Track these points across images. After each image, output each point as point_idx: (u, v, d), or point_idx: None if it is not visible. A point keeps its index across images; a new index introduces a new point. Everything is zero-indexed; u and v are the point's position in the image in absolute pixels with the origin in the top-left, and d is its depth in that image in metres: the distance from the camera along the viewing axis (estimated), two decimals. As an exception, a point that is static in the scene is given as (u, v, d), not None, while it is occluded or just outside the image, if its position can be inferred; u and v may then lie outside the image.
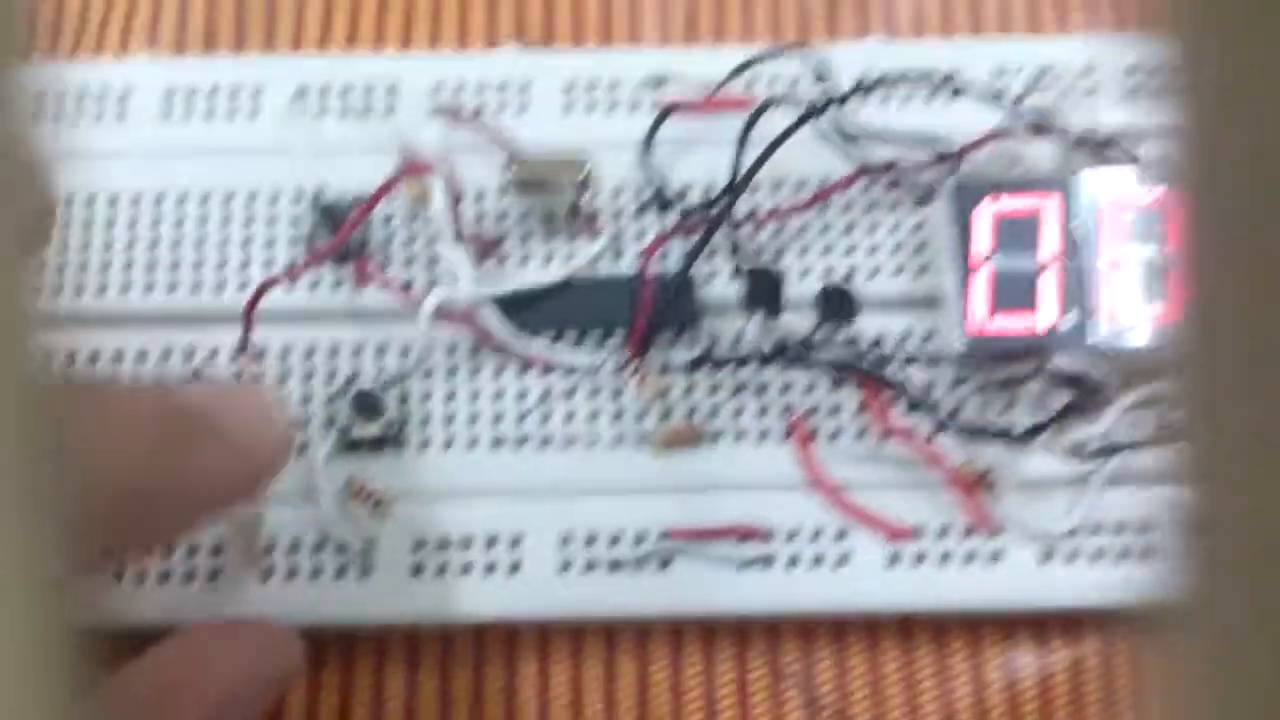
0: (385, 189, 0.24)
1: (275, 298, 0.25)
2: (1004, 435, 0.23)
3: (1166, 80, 0.10)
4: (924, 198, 0.25)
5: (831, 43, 0.28)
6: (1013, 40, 0.28)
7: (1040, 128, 0.25)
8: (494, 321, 0.24)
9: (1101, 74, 0.26)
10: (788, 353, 0.23)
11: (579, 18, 0.29)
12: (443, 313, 0.24)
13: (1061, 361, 0.23)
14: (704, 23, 0.29)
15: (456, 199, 0.25)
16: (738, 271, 0.24)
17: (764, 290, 0.23)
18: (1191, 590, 0.10)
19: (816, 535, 0.24)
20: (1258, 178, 0.09)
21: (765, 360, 0.24)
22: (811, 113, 0.24)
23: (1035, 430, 0.22)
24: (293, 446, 0.23)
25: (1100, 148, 0.25)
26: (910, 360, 0.24)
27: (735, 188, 0.24)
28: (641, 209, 0.26)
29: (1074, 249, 0.23)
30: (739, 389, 0.25)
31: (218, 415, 0.21)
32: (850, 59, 0.27)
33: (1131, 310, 0.23)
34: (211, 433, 0.21)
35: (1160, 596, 0.11)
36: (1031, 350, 0.23)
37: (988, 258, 0.24)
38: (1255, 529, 0.10)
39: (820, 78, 0.26)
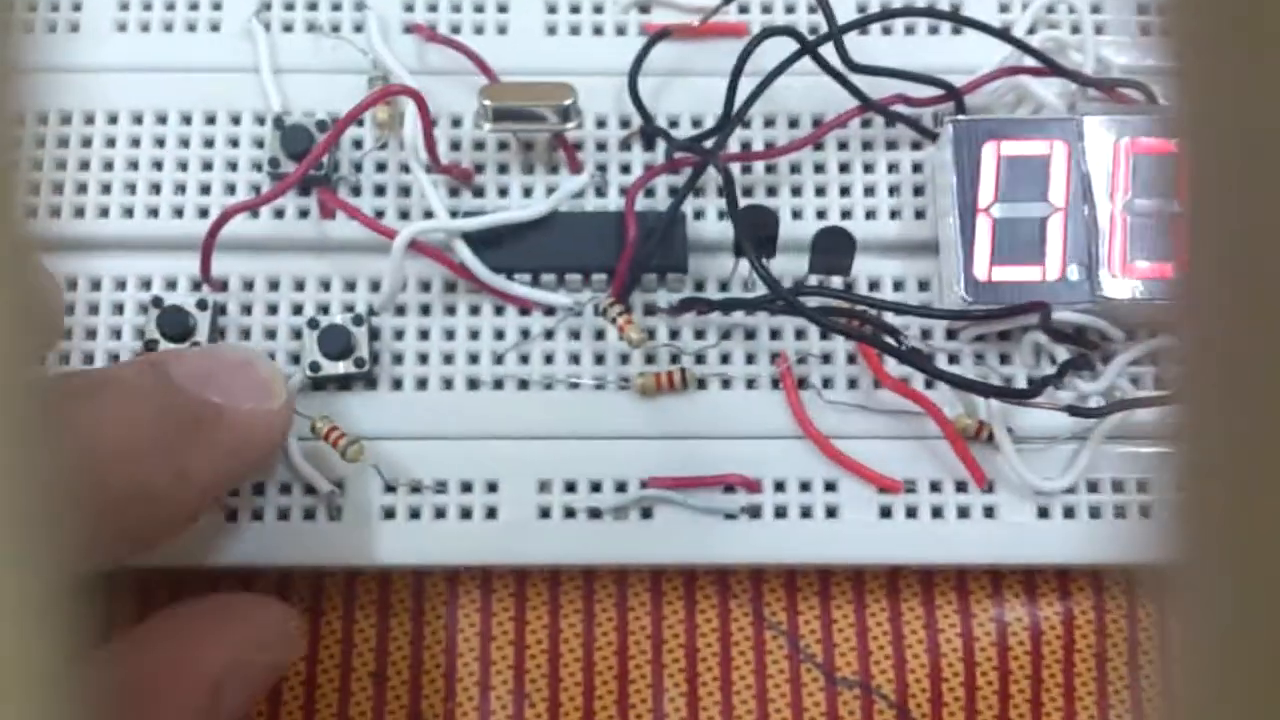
0: (355, 113, 0.23)
1: (237, 225, 0.23)
2: (1002, 390, 0.22)
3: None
4: (924, 138, 0.24)
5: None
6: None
7: (1049, 65, 0.24)
8: (469, 257, 0.23)
9: (1113, 9, 0.25)
10: (779, 297, 0.22)
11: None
12: (415, 247, 0.23)
13: (1065, 314, 0.22)
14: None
15: (430, 125, 0.24)
16: (730, 210, 0.22)
17: (759, 229, 0.22)
18: (1180, 551, 0.10)
19: (805, 486, 0.23)
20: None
21: (756, 305, 0.23)
22: (809, 45, 0.23)
23: (1036, 386, 0.22)
24: (292, 416, 0.22)
25: (1112, 88, 0.24)
26: (906, 310, 0.23)
27: (729, 122, 0.23)
28: (627, 141, 0.25)
29: (1082, 196, 0.22)
30: (727, 334, 0.24)
31: (218, 394, 0.20)
32: (850, -12, 0.25)
33: (1140, 262, 0.22)
34: (214, 418, 0.20)
35: (1155, 556, 0.11)
36: (1034, 302, 0.22)
37: (991, 203, 0.22)
38: (1241, 492, 0.09)
39: (818, 6, 0.24)
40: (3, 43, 0.10)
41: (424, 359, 0.24)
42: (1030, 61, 0.24)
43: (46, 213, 0.24)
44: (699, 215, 0.24)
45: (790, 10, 0.25)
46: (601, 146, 0.25)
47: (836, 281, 0.24)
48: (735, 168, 0.24)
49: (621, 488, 0.23)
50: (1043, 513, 0.23)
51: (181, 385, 0.20)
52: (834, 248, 0.22)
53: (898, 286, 0.24)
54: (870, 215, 0.24)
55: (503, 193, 0.24)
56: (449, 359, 0.24)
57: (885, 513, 0.23)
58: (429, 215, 0.24)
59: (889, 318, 0.23)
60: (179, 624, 0.20)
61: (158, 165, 0.24)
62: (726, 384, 0.23)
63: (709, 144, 0.23)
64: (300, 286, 0.24)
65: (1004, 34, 0.24)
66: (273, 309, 0.24)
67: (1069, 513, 0.23)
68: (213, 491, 0.21)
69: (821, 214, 0.24)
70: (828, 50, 0.24)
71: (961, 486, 0.23)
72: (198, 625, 0.20)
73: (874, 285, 0.24)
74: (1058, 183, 0.23)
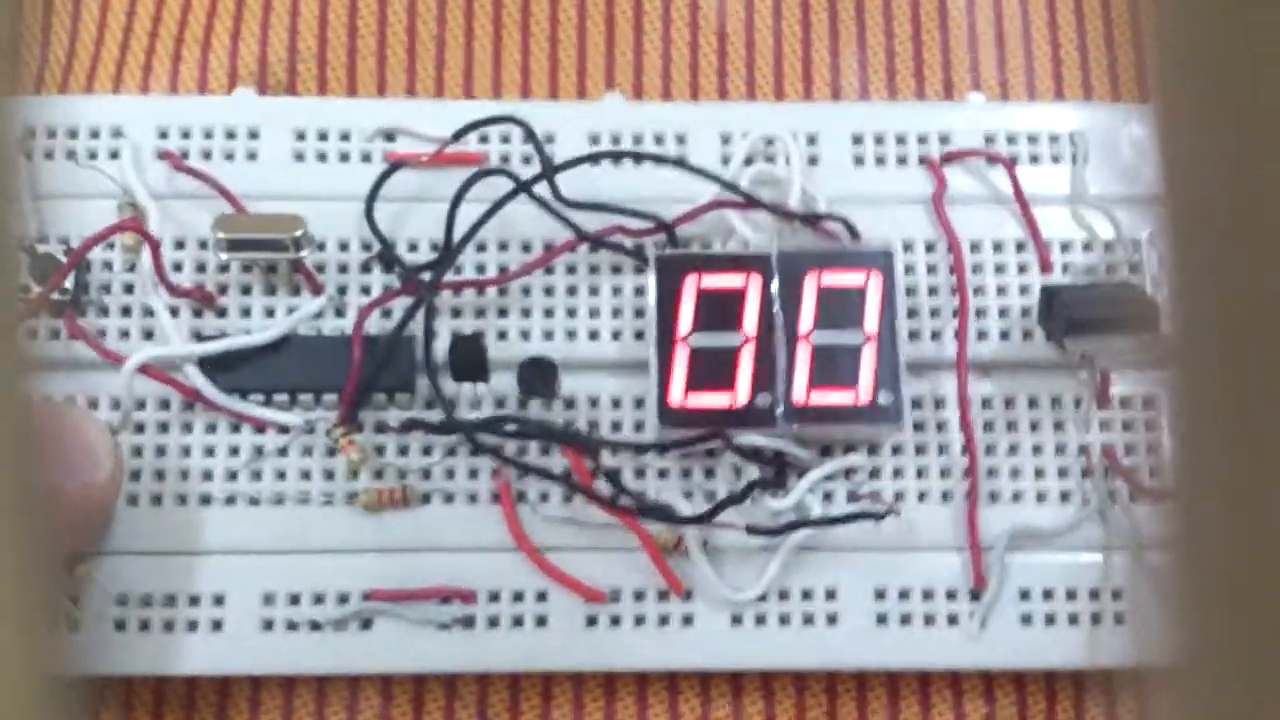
0: (90, 244, 0.24)
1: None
2: (678, 518, 0.24)
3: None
4: (643, 265, 0.26)
5: (575, 101, 0.29)
6: (741, 106, 0.28)
7: (750, 201, 0.25)
8: (200, 380, 0.24)
9: (828, 142, 0.27)
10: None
11: (324, 65, 0.29)
12: (151, 369, 0.24)
13: (754, 437, 0.24)
14: (451, 76, 0.29)
15: (160, 247, 0.25)
16: (425, 341, 0.24)
17: (468, 359, 0.23)
18: (1175, 648, 0.11)
19: (519, 596, 0.24)
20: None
21: (474, 428, 0.24)
22: (523, 184, 0.25)
23: (714, 509, 0.23)
24: (121, 478, 0.23)
25: (815, 222, 0.26)
26: (606, 444, 0.24)
27: (448, 254, 0.25)
28: (367, 264, 0.26)
29: (773, 326, 0.24)
30: (453, 450, 0.25)
31: (50, 469, 0.20)
32: (587, 118, 0.27)
33: (826, 389, 0.24)
34: (44, 501, 0.20)
35: (1148, 658, 0.11)
36: (716, 430, 0.24)
37: (689, 333, 0.24)
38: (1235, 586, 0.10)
39: (534, 149, 0.26)
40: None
41: (160, 475, 0.25)
42: (740, 194, 0.26)
43: None
44: (432, 336, 0.26)
45: (528, 140, 0.27)
46: (343, 269, 0.26)
47: (560, 397, 0.25)
48: (470, 290, 0.26)
49: (343, 600, 0.24)
50: (736, 620, 0.24)
51: None
52: (537, 376, 0.24)
53: (615, 404, 0.26)
54: (593, 336, 0.26)
55: (245, 313, 0.26)
56: (184, 475, 0.25)
57: (591, 621, 0.24)
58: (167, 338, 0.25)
59: (599, 435, 0.25)
60: None
61: (-90, 288, 0.25)
62: (450, 499, 0.25)
63: (433, 273, 0.25)
64: (47, 404, 0.25)
65: (705, 172, 0.26)
66: (15, 428, 0.25)
67: (760, 620, 0.24)
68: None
69: (548, 334, 0.26)
70: (558, 179, 0.25)
71: (664, 595, 0.24)
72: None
73: (593, 402, 0.26)
74: (750, 314, 0.24)
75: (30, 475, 0.11)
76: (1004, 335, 0.26)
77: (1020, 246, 0.26)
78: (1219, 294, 0.10)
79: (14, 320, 0.11)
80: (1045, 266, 0.26)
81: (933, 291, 0.26)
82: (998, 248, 0.26)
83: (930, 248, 0.26)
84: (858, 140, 0.27)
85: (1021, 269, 0.26)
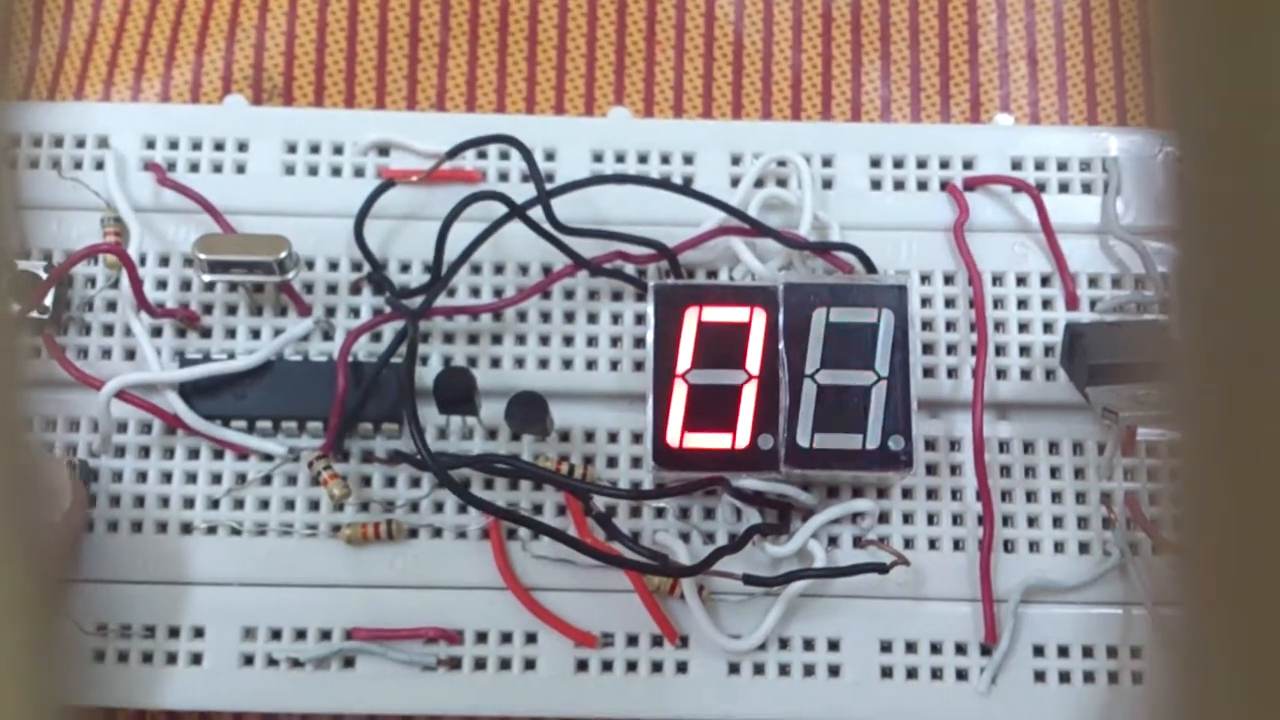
0: (69, 265, 0.23)
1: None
2: (670, 569, 0.22)
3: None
4: (644, 292, 0.25)
5: (581, 116, 0.27)
6: (753, 125, 0.27)
7: (757, 228, 0.24)
8: (180, 407, 0.23)
9: (844, 165, 0.26)
10: (485, 459, 0.23)
11: (321, 73, 0.27)
12: (130, 395, 0.24)
13: (754, 482, 0.23)
14: (455, 86, 0.28)
15: (139, 282, 0.24)
16: (406, 374, 0.23)
17: (454, 392, 0.22)
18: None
19: (507, 638, 0.23)
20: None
21: (460, 465, 0.23)
22: (517, 209, 0.23)
23: (716, 555, 0.22)
24: (85, 509, 0.22)
25: (826, 252, 0.24)
26: (597, 490, 0.23)
27: (439, 280, 0.24)
28: (357, 285, 0.25)
29: (778, 364, 0.23)
30: (439, 484, 0.24)
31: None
32: (591, 135, 0.26)
33: (832, 433, 0.23)
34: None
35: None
36: (715, 476, 0.22)
37: (689, 369, 0.23)
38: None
39: (548, 157, 0.25)
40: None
41: (140, 502, 0.24)
42: (748, 220, 0.25)
43: None
44: (425, 361, 0.25)
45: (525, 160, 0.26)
46: (332, 289, 0.25)
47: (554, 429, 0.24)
48: (464, 315, 0.25)
49: (325, 636, 0.23)
50: (733, 669, 0.23)
51: None
52: (525, 413, 0.23)
53: (612, 438, 0.24)
54: (590, 365, 0.25)
55: (230, 333, 0.25)
56: (165, 502, 0.24)
57: (582, 665, 0.23)
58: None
59: (595, 471, 0.23)
60: None
61: (-111, 301, 0.25)
62: (437, 533, 0.24)
63: (422, 300, 0.24)
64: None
65: (707, 197, 0.24)
66: (-8, 449, 0.24)
67: (759, 669, 0.23)
68: None
69: (544, 363, 0.25)
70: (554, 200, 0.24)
71: (658, 641, 0.23)
72: None
73: (589, 436, 0.24)
74: (754, 350, 0.23)
75: (28, 499, 0.11)
76: (1025, 374, 0.25)
77: (1045, 280, 0.25)
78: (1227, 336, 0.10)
79: (13, 339, 0.11)
80: (1071, 302, 0.25)
81: (950, 326, 0.25)
82: (1021, 281, 0.25)
83: (949, 279, 0.25)
84: (875, 163, 0.26)
85: (1046, 304, 0.25)
